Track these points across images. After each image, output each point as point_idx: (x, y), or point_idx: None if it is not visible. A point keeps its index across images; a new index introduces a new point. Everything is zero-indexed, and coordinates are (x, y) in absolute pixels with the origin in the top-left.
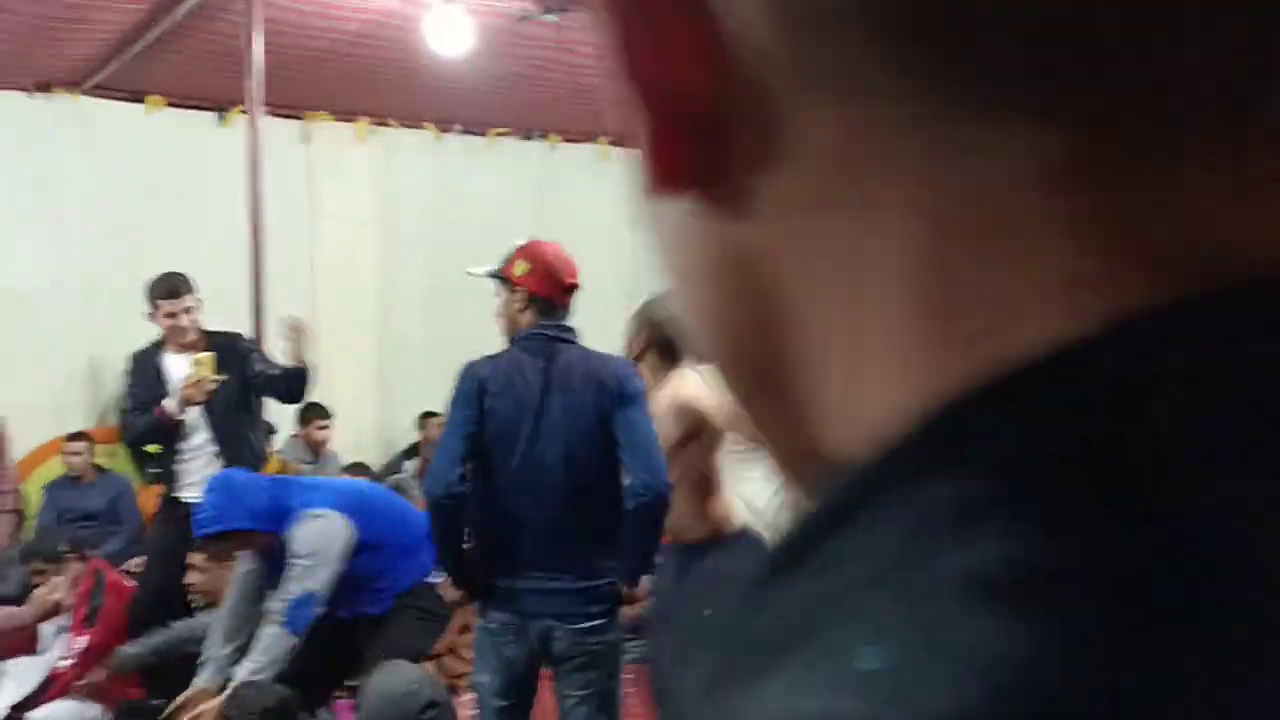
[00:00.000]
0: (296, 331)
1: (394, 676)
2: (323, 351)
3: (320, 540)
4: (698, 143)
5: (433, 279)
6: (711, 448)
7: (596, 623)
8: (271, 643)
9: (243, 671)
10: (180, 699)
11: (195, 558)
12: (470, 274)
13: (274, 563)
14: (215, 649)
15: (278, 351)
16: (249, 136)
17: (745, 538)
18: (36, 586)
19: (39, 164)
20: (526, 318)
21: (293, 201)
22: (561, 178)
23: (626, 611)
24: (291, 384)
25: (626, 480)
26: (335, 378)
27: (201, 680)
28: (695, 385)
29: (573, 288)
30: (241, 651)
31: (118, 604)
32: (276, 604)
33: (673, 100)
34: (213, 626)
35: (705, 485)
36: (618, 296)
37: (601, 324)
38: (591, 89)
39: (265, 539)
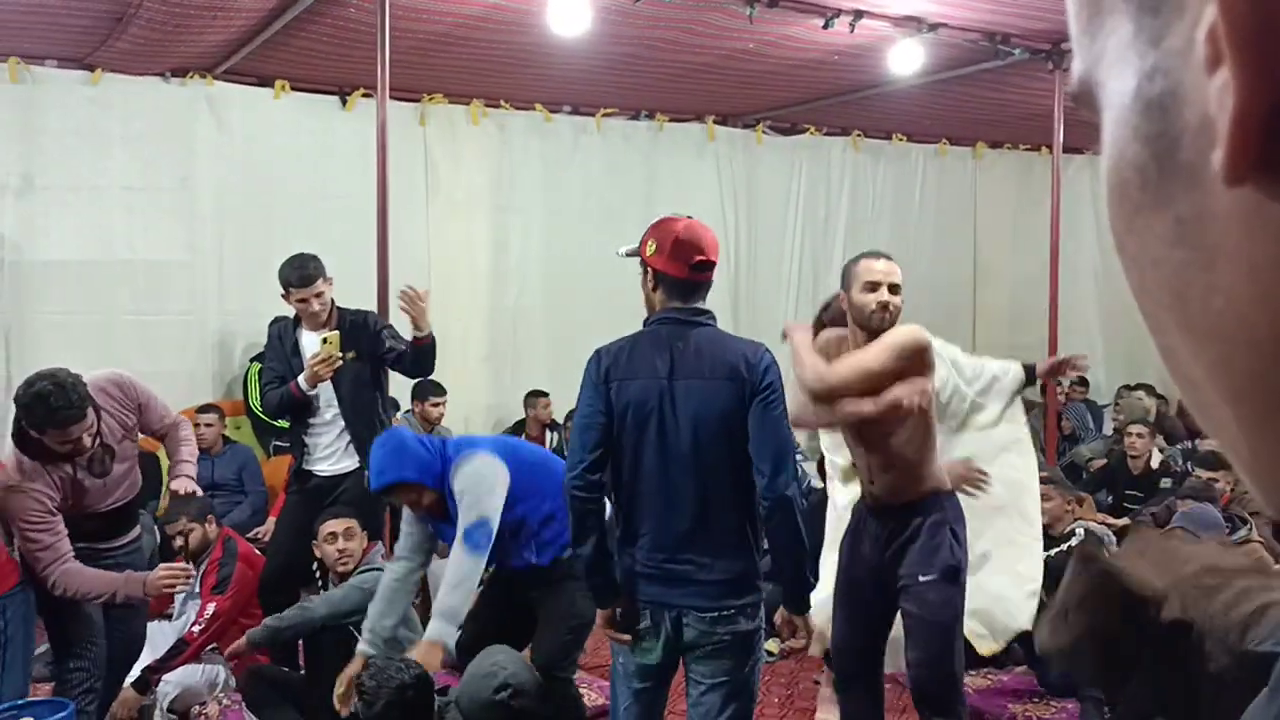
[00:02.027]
0: (412, 300)
1: (484, 657)
2: (436, 327)
3: (476, 475)
4: None
5: (542, 258)
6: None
7: (726, 613)
8: (458, 566)
9: (442, 602)
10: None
11: (337, 525)
12: (617, 254)
13: (437, 527)
14: (375, 619)
15: (400, 325)
16: (377, 118)
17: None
18: (175, 545)
19: (174, 145)
20: (659, 298)
21: (409, 182)
22: (669, 158)
23: (793, 644)
24: (419, 357)
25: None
26: (447, 355)
27: (362, 648)
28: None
29: (703, 265)
30: (401, 623)
31: (247, 571)
32: (457, 536)
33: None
34: (375, 598)
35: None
36: (722, 277)
37: (707, 304)
38: (699, 70)
39: (431, 495)
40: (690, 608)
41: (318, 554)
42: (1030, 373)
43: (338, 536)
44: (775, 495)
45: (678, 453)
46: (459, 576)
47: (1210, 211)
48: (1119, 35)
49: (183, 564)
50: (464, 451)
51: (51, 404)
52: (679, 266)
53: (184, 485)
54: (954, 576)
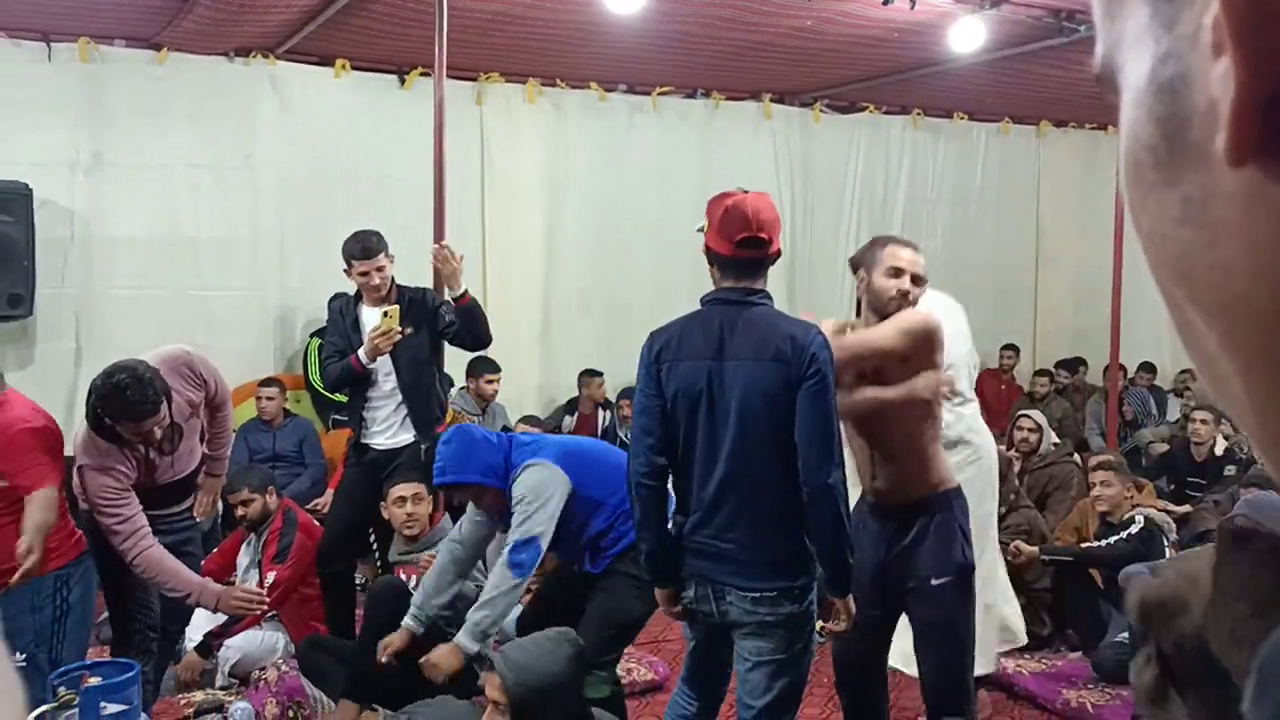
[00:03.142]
0: (445, 259)
1: (540, 632)
2: (489, 307)
3: (537, 487)
4: None
5: (597, 236)
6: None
7: (769, 594)
8: (498, 583)
9: (474, 614)
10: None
11: (406, 489)
12: (696, 230)
13: (499, 520)
14: (425, 597)
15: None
16: (435, 97)
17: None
18: (237, 514)
19: (238, 123)
20: (716, 276)
21: (465, 161)
22: (724, 136)
23: (831, 628)
24: (468, 321)
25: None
26: (500, 333)
27: (407, 622)
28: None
29: (747, 242)
30: (450, 604)
31: (307, 541)
32: (505, 549)
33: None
34: (425, 577)
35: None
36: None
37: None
38: (755, 47)
39: (493, 494)
40: (733, 585)
41: (385, 515)
42: None
43: (406, 500)
44: (816, 483)
45: (725, 434)
46: (496, 592)
47: (1215, 191)
48: (1136, 19)
49: (258, 591)
50: (529, 458)
51: (129, 397)
52: (725, 244)
53: (206, 508)
54: (967, 577)
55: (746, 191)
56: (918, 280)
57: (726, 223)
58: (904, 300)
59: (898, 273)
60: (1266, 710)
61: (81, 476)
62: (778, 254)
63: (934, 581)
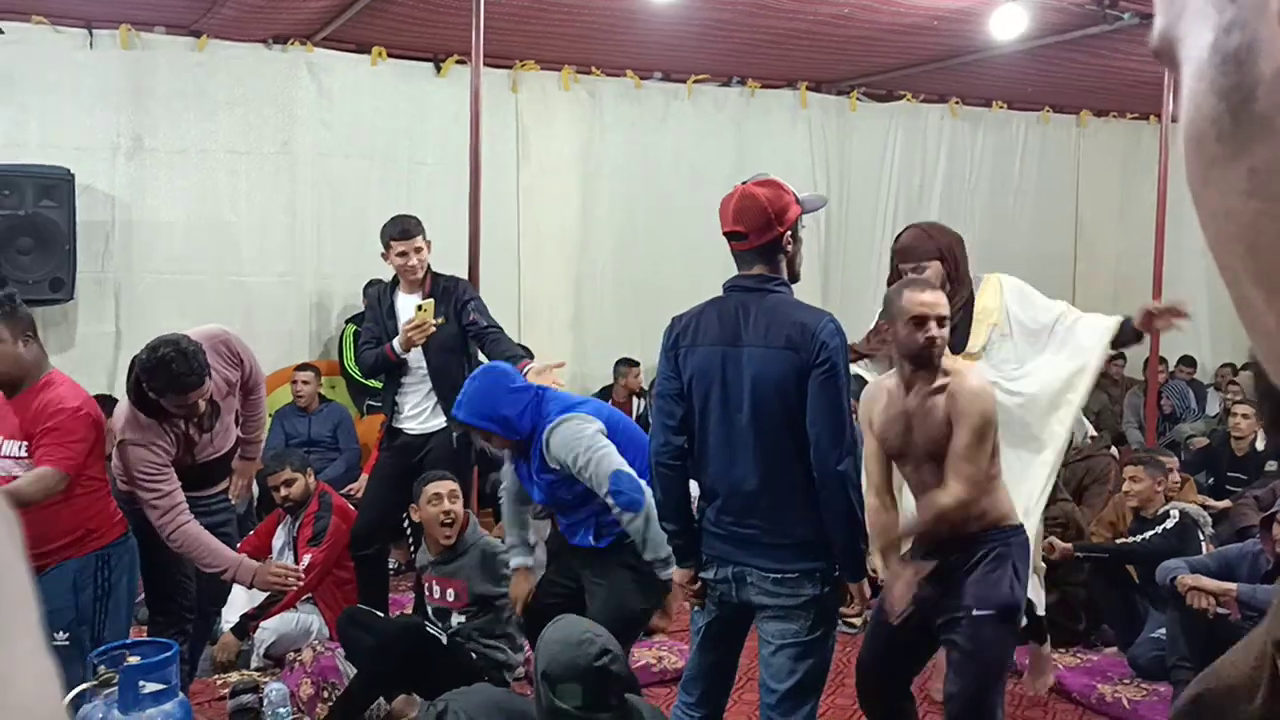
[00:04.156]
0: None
1: (568, 626)
2: (523, 295)
3: (575, 438)
4: None
5: (631, 225)
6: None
7: (790, 576)
8: (635, 529)
9: (648, 556)
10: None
11: (442, 486)
12: None
13: (516, 461)
14: (516, 535)
15: (492, 292)
16: (471, 85)
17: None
18: (280, 494)
19: (276, 110)
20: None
21: (501, 149)
22: (759, 123)
23: (847, 612)
24: (496, 356)
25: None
26: (534, 320)
27: (515, 563)
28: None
29: (727, 235)
30: (523, 539)
31: (342, 524)
32: (611, 501)
33: None
34: (505, 523)
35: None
36: (812, 242)
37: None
38: (792, 34)
39: (504, 442)
40: (754, 567)
41: (417, 518)
42: (1127, 326)
43: (443, 498)
44: (826, 470)
45: (739, 419)
46: (640, 535)
47: None
48: None
49: (293, 567)
50: (562, 411)
51: (174, 370)
52: (725, 236)
53: (241, 491)
54: (1012, 616)
55: (743, 184)
56: (942, 321)
57: (719, 217)
58: (932, 347)
59: (921, 321)
60: None
61: (122, 452)
62: (777, 240)
63: (976, 612)
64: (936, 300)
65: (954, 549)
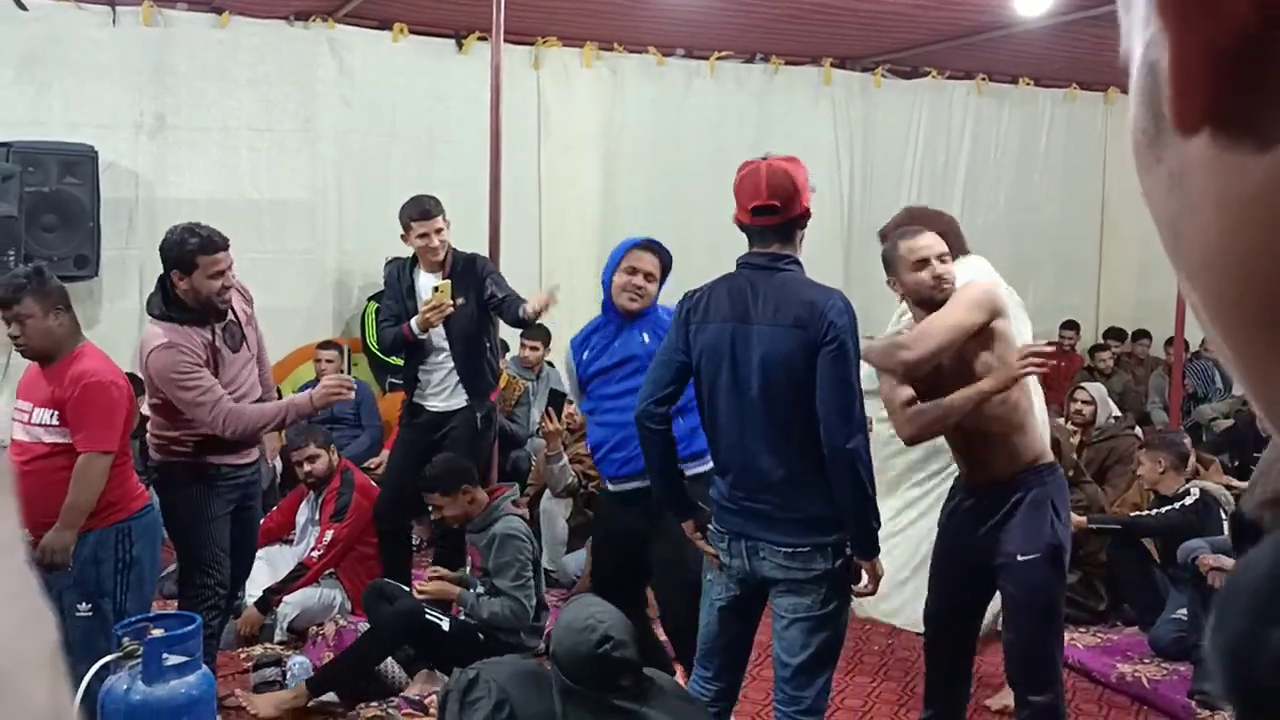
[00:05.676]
0: (546, 304)
1: (579, 609)
2: (545, 273)
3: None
4: (1228, 79)
5: (653, 201)
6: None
7: (802, 550)
8: None
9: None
10: None
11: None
12: None
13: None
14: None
15: (511, 269)
16: (492, 62)
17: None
18: (304, 470)
19: (297, 87)
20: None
21: (522, 125)
22: (782, 100)
23: (859, 590)
24: (518, 324)
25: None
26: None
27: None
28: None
29: (760, 210)
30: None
31: (364, 501)
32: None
33: (1211, 34)
34: None
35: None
36: (835, 221)
37: (819, 248)
38: (815, 10)
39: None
40: (766, 541)
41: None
42: None
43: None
44: (836, 447)
45: (749, 396)
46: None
47: (1188, 163)
48: (1138, 7)
49: (345, 376)
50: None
51: (201, 232)
52: (742, 212)
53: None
54: (1057, 556)
55: (765, 158)
56: (943, 258)
57: (741, 191)
58: (940, 284)
59: (923, 263)
60: (1219, 640)
61: (155, 361)
62: (801, 217)
63: (1020, 558)
64: (932, 241)
65: (991, 492)
